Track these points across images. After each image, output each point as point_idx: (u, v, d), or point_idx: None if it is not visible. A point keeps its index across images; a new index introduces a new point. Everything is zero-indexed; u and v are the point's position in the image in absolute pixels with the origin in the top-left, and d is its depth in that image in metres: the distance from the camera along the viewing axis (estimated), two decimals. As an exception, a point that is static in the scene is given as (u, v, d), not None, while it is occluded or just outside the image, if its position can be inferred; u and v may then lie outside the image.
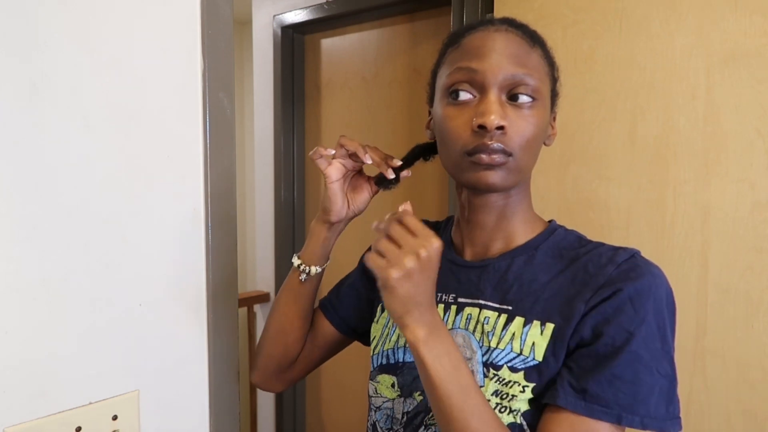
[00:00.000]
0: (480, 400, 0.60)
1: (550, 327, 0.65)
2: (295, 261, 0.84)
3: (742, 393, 1.07)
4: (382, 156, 0.77)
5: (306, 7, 2.08)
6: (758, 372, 1.05)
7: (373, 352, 0.81)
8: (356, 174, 0.81)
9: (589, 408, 0.60)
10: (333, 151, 0.77)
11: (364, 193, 0.80)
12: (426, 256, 0.59)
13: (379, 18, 1.96)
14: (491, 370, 0.66)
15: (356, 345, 0.95)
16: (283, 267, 2.27)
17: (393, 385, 0.76)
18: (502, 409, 0.64)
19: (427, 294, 0.61)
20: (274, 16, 2.19)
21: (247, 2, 2.31)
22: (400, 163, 0.76)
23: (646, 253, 0.68)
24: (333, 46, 2.12)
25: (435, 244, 0.60)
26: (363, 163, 0.77)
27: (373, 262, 0.61)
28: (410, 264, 0.58)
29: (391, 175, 0.75)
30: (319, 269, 0.83)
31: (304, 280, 0.83)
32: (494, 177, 0.66)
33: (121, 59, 0.75)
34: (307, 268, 0.82)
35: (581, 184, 1.24)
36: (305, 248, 0.83)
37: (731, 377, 1.07)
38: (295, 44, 2.19)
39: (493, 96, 0.65)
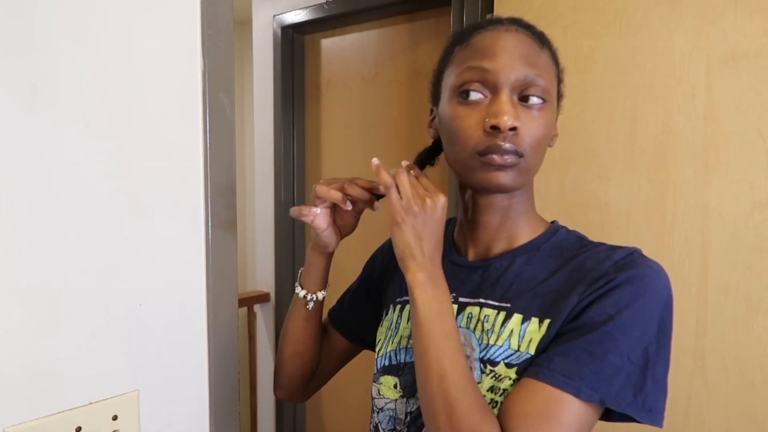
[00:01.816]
0: (454, 346, 0.63)
1: (546, 323, 0.65)
2: (300, 292, 0.84)
3: (742, 393, 1.07)
4: (366, 187, 0.75)
5: (306, 7, 2.08)
6: (758, 372, 1.05)
7: (377, 354, 0.81)
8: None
9: (552, 376, 0.60)
10: (318, 211, 0.77)
11: (350, 218, 0.80)
12: (431, 204, 0.66)
13: (379, 18, 1.96)
14: (488, 366, 0.66)
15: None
16: (283, 267, 2.27)
17: (396, 386, 0.76)
18: (494, 405, 0.64)
19: (432, 245, 0.67)
20: (274, 16, 2.19)
21: (247, 2, 2.31)
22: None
23: (646, 253, 0.67)
24: (333, 46, 2.12)
25: (441, 198, 0.68)
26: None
27: (391, 195, 0.67)
28: (416, 207, 0.66)
29: (376, 209, 0.76)
30: (324, 293, 0.85)
31: (312, 307, 0.84)
32: (505, 178, 0.66)
33: (121, 59, 0.75)
34: (313, 296, 0.84)
35: (581, 184, 1.24)
36: (306, 277, 0.84)
37: (731, 377, 1.07)
38: (295, 44, 2.19)
39: (505, 96, 0.65)
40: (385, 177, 0.68)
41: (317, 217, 0.77)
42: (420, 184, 0.69)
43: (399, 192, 0.67)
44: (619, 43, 1.19)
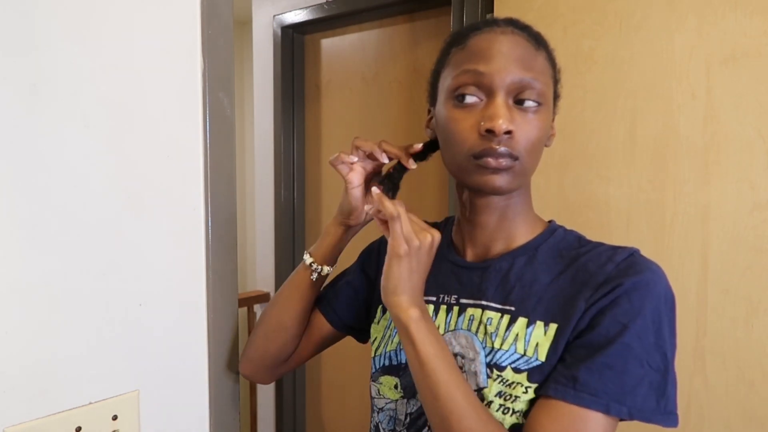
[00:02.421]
0: (462, 380, 0.64)
1: (553, 327, 0.65)
2: (308, 259, 0.83)
3: (742, 393, 1.07)
4: (400, 148, 0.76)
5: (306, 7, 2.08)
6: (758, 372, 1.05)
7: (375, 353, 0.81)
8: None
9: (578, 396, 0.60)
10: (356, 158, 0.77)
11: None
12: (431, 241, 0.67)
13: (379, 18, 1.96)
14: (495, 371, 0.66)
15: (355, 346, 0.95)
16: (283, 267, 2.27)
17: (396, 387, 0.76)
18: (505, 411, 0.64)
19: (421, 281, 0.68)
20: (274, 16, 2.19)
21: (247, 2, 2.31)
22: (420, 146, 0.75)
23: (646, 254, 0.68)
24: (333, 46, 2.12)
25: (437, 235, 0.68)
26: (381, 162, 0.77)
27: (395, 227, 0.66)
28: (417, 241, 0.66)
29: (412, 166, 0.75)
30: (330, 270, 0.83)
31: (315, 279, 0.83)
32: (500, 180, 0.66)
33: (121, 59, 0.75)
34: (320, 267, 0.82)
35: (581, 184, 1.24)
36: (318, 247, 0.83)
37: (731, 377, 1.07)
38: (295, 44, 2.19)
39: (501, 100, 0.65)
40: (390, 208, 0.67)
41: (352, 171, 0.77)
42: (415, 219, 0.69)
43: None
44: (619, 43, 1.19)
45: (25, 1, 0.66)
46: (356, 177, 0.77)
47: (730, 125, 1.07)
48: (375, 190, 0.72)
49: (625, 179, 1.19)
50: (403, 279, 0.66)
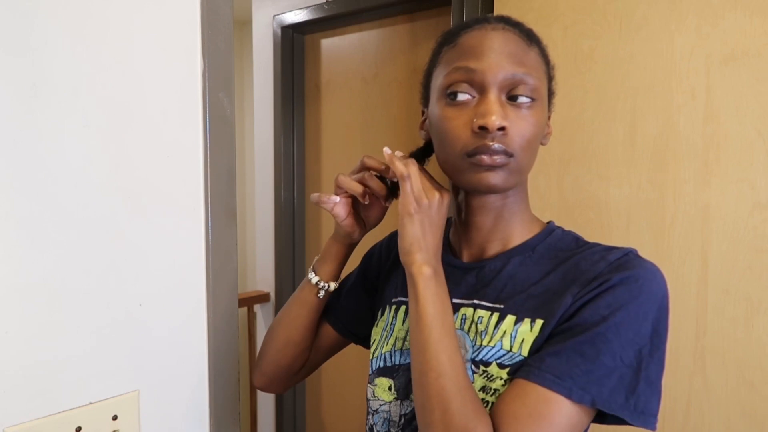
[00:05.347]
0: (454, 344, 0.63)
1: (539, 323, 0.65)
2: (313, 278, 0.83)
3: (742, 393, 1.07)
4: (379, 168, 0.76)
5: (306, 7, 2.08)
6: (758, 372, 1.05)
7: (373, 355, 0.81)
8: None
9: (542, 376, 0.60)
10: (338, 199, 0.77)
11: (377, 210, 0.80)
12: (439, 198, 0.68)
13: (379, 18, 1.96)
14: (481, 367, 0.66)
15: (355, 348, 0.95)
16: (283, 267, 2.27)
17: (390, 388, 0.76)
18: (486, 404, 0.64)
19: (435, 240, 0.68)
20: (274, 16, 2.19)
21: (247, 2, 2.31)
22: (401, 155, 0.75)
23: (645, 253, 0.67)
24: (333, 46, 2.12)
25: (446, 194, 0.70)
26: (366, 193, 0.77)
27: (405, 185, 0.67)
28: (426, 200, 0.67)
29: (387, 204, 0.77)
30: (336, 285, 0.84)
31: (322, 296, 0.83)
32: (495, 178, 0.65)
33: (121, 59, 0.75)
34: (326, 285, 0.82)
35: (581, 184, 1.24)
36: (322, 265, 0.83)
37: (731, 377, 1.07)
38: (295, 44, 2.19)
39: (493, 96, 0.64)
40: (400, 167, 0.68)
41: (336, 205, 0.78)
42: (425, 178, 0.70)
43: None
44: (619, 43, 1.19)
45: (25, 1, 0.66)
46: (342, 210, 0.78)
47: (730, 125, 1.07)
48: (386, 150, 0.72)
49: (625, 179, 1.19)
50: (417, 238, 0.66)
